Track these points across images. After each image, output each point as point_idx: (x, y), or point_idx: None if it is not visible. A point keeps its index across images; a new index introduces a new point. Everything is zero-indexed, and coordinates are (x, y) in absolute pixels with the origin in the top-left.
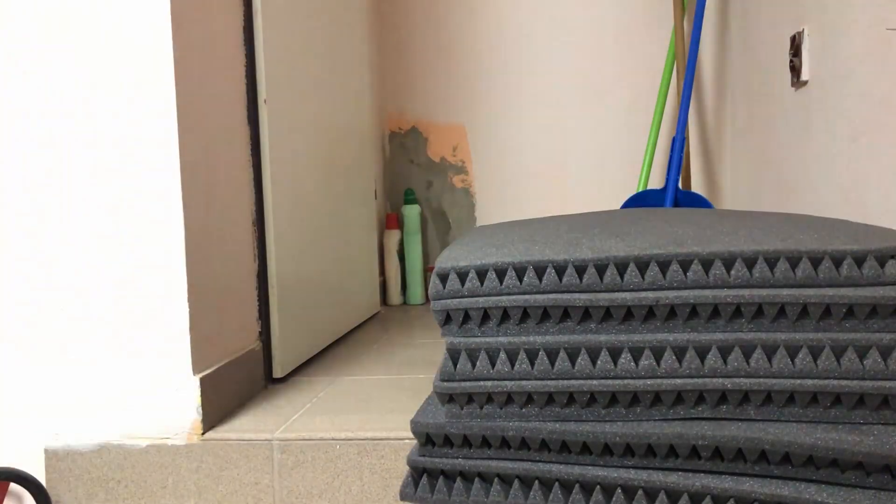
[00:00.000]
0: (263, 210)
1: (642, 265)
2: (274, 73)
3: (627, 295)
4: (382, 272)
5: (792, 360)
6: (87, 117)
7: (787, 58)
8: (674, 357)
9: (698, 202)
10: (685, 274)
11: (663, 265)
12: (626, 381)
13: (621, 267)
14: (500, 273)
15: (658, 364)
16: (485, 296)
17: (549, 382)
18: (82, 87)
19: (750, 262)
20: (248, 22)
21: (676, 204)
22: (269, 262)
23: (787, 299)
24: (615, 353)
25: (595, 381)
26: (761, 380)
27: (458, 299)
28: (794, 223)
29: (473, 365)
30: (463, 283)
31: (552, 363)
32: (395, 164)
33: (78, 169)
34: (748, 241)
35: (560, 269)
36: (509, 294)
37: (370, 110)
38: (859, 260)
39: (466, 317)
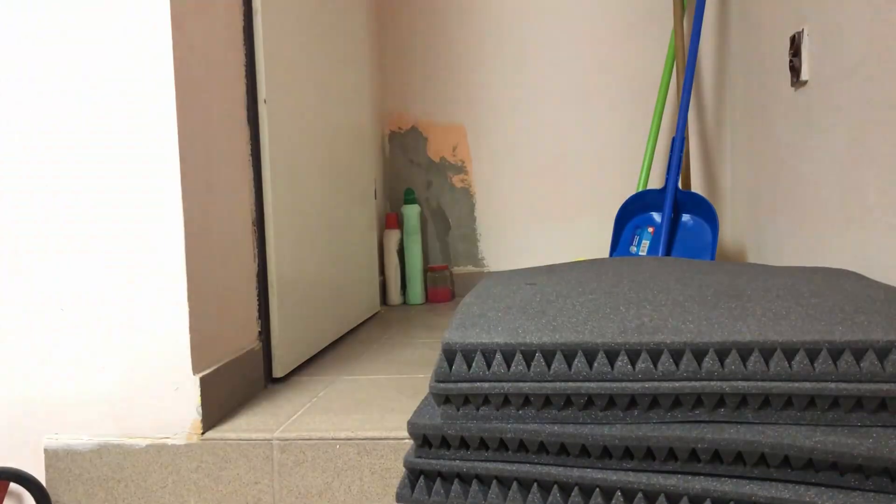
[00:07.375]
0: (263, 210)
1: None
2: (274, 73)
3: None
4: (382, 272)
5: (789, 363)
6: (86, 117)
7: (787, 58)
8: (671, 360)
9: (698, 202)
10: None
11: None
12: (623, 384)
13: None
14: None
15: (655, 367)
16: None
17: (545, 384)
18: (82, 88)
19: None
20: (248, 22)
21: (676, 203)
22: (269, 262)
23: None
24: (612, 355)
25: (592, 384)
26: (759, 383)
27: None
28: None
29: (469, 366)
30: None
31: (548, 365)
32: (395, 164)
33: (77, 167)
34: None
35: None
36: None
37: (370, 110)
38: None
39: None
